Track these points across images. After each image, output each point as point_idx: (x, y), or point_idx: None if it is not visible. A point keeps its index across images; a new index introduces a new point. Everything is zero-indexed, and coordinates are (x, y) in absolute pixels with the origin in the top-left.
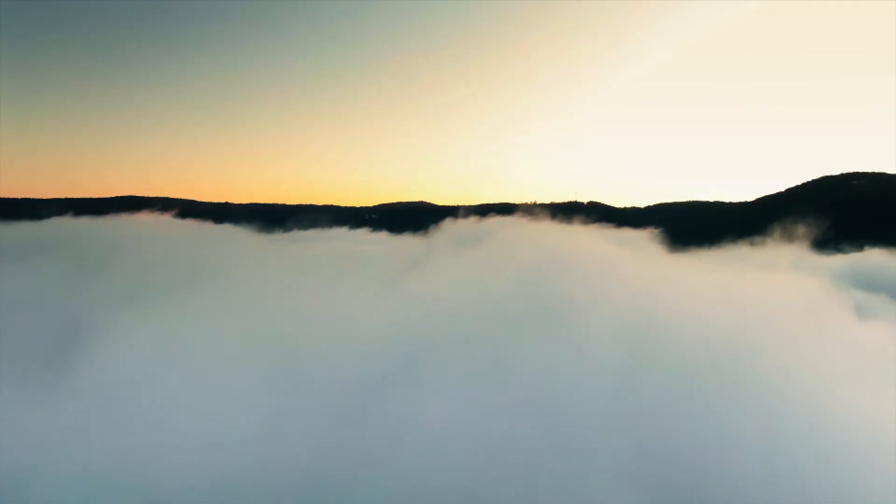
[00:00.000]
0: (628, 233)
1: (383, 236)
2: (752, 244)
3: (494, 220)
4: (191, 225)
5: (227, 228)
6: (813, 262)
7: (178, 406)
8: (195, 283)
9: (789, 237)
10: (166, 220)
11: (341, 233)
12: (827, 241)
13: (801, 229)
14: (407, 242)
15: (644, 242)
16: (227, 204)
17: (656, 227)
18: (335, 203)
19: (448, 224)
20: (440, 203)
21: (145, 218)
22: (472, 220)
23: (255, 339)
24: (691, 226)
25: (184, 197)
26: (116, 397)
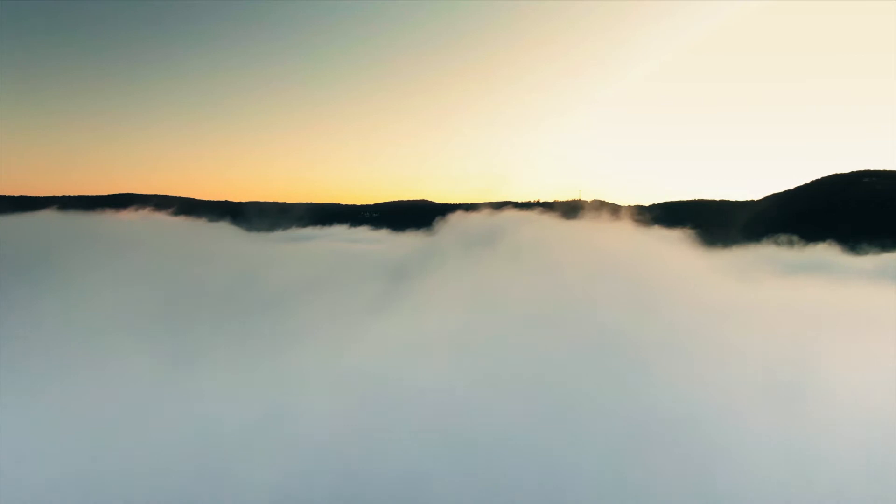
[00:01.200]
0: (660, 232)
1: (384, 234)
2: (777, 243)
3: (507, 215)
4: (179, 222)
5: (220, 226)
6: (849, 263)
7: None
8: (123, 287)
9: (812, 237)
10: (154, 217)
11: (340, 231)
12: (849, 240)
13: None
14: (409, 241)
15: (682, 243)
16: (225, 202)
17: (693, 227)
18: (335, 201)
19: (456, 218)
20: (442, 201)
21: (130, 215)
22: (484, 214)
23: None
24: (709, 224)
25: (182, 195)
26: None
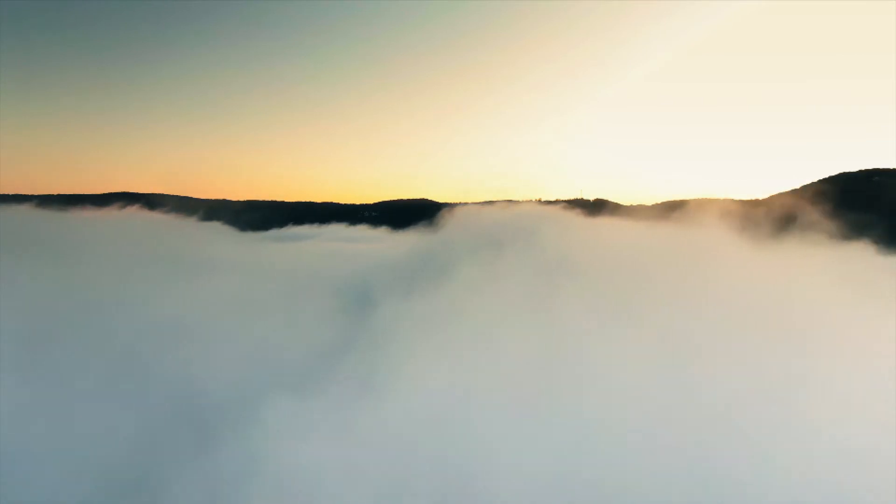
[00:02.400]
0: (700, 231)
1: (383, 232)
2: (806, 242)
3: (518, 211)
4: (165, 220)
5: (209, 225)
6: (888, 264)
7: None
8: None
9: (841, 235)
10: (139, 214)
11: (338, 229)
12: (880, 239)
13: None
14: (409, 239)
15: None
16: (224, 200)
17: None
18: (334, 201)
19: (462, 213)
20: (442, 201)
21: (113, 213)
22: (496, 208)
23: None
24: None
25: (179, 193)
26: None
